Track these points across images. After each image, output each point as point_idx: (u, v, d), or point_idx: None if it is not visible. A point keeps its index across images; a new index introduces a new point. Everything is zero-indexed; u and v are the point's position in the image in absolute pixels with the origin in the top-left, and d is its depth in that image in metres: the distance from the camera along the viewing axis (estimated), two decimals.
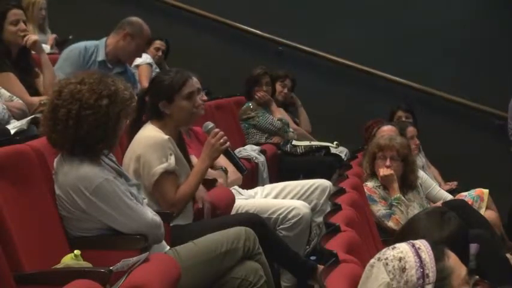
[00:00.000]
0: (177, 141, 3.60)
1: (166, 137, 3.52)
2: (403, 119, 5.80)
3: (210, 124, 3.81)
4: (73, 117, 2.82)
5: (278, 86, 6.19)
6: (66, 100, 2.84)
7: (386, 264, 1.77)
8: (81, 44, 4.79)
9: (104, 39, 4.79)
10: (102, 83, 2.87)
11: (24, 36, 4.35)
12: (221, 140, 3.60)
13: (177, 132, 3.68)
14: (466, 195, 4.85)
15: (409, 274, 1.75)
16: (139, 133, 3.58)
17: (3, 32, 4.27)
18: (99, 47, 4.76)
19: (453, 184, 5.73)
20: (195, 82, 3.69)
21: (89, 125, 2.83)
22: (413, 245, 1.80)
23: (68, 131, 2.83)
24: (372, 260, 1.82)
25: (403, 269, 1.75)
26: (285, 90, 6.27)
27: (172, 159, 3.49)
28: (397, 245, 1.82)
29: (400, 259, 1.77)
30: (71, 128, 2.83)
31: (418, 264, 1.76)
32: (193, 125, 4.08)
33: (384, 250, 1.83)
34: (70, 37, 5.08)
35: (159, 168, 3.46)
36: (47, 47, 5.19)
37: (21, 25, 4.36)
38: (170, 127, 3.60)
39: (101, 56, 4.72)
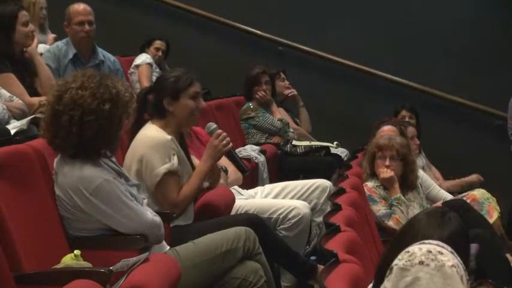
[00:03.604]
0: (178, 142, 3.60)
1: (169, 137, 3.51)
2: (407, 118, 5.81)
3: (213, 125, 3.82)
4: (76, 123, 2.82)
5: (279, 83, 6.18)
6: (68, 106, 2.83)
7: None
8: (54, 45, 4.82)
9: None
10: (103, 87, 2.87)
11: (33, 38, 4.39)
12: (224, 142, 3.60)
13: (179, 133, 3.67)
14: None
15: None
16: (141, 133, 3.57)
17: (14, 32, 4.27)
18: (68, 45, 4.79)
19: None
20: (199, 85, 3.70)
21: (92, 130, 2.83)
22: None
23: (71, 136, 2.83)
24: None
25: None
26: (286, 82, 6.28)
27: (175, 160, 3.49)
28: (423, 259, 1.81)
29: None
30: (74, 133, 2.83)
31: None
32: (193, 125, 4.08)
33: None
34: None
35: (162, 168, 3.46)
36: (47, 47, 5.19)
37: (31, 26, 4.39)
38: (172, 127, 3.59)
39: (70, 54, 4.74)
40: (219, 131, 3.68)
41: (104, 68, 4.78)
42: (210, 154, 3.59)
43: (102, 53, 4.91)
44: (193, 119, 3.70)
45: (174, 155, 3.50)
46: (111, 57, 4.98)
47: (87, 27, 4.78)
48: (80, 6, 4.85)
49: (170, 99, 3.58)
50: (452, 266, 1.76)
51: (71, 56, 4.77)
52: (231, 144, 3.66)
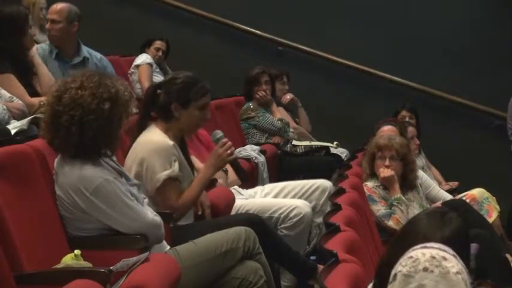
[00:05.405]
0: (179, 145, 3.59)
1: (171, 142, 3.50)
2: (407, 119, 5.82)
3: (219, 133, 3.84)
4: (76, 123, 2.82)
5: (278, 85, 6.20)
6: (68, 106, 2.83)
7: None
8: (38, 47, 4.83)
9: None
10: (102, 86, 2.87)
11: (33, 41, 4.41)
12: (228, 151, 3.60)
13: (180, 137, 3.66)
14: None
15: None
16: (144, 136, 3.56)
17: (25, 36, 4.28)
18: (51, 45, 4.81)
19: (453, 184, 5.74)
20: (209, 95, 3.69)
21: (93, 130, 2.83)
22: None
23: (71, 136, 2.83)
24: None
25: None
26: (286, 87, 6.31)
27: (176, 166, 3.49)
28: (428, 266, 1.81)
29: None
30: (74, 133, 2.83)
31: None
32: (196, 132, 4.08)
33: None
34: None
35: (163, 174, 3.45)
36: None
37: (33, 29, 4.40)
38: (174, 131, 3.58)
39: (53, 53, 4.76)
40: (225, 139, 3.69)
41: (89, 64, 4.79)
42: (213, 162, 3.59)
43: (87, 50, 4.91)
44: (196, 129, 3.72)
45: (175, 161, 3.50)
46: (98, 55, 4.97)
47: (48, 25, 4.79)
48: (53, 6, 4.88)
49: (179, 105, 3.56)
50: (457, 272, 1.76)
51: (54, 55, 4.77)
52: (235, 154, 3.67)
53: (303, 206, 4.00)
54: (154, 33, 6.74)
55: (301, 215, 3.94)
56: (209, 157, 3.64)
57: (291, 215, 3.94)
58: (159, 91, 3.63)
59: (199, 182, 3.56)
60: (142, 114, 3.62)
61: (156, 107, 3.63)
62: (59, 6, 4.83)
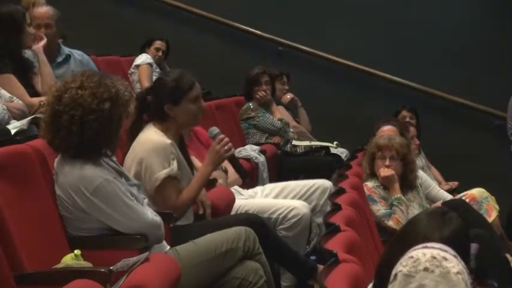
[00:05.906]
0: (178, 145, 3.60)
1: (169, 141, 3.51)
2: (407, 119, 5.82)
3: (215, 130, 3.82)
4: (76, 122, 2.82)
5: (278, 85, 6.21)
6: (68, 106, 2.83)
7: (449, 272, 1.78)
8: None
9: None
10: (102, 86, 2.87)
11: (34, 39, 4.39)
12: (226, 147, 3.60)
13: (179, 136, 3.67)
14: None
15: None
16: (142, 135, 3.56)
17: (24, 34, 4.27)
18: None
19: (453, 184, 5.75)
20: (199, 86, 3.69)
21: (93, 130, 2.83)
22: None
23: (71, 136, 2.83)
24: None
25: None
26: (286, 87, 6.32)
27: (174, 164, 3.49)
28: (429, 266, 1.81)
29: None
30: (74, 133, 2.83)
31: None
32: (196, 126, 4.08)
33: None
34: (60, 40, 5.07)
35: (162, 173, 3.45)
36: None
37: (31, 27, 4.39)
38: (173, 130, 3.59)
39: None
40: (222, 136, 3.68)
41: (74, 60, 4.80)
42: (212, 159, 3.59)
43: (68, 49, 4.92)
44: (195, 121, 3.71)
45: (173, 159, 3.50)
46: (78, 52, 4.98)
47: (43, 30, 4.72)
48: (41, 10, 4.83)
49: (171, 104, 3.57)
50: (458, 273, 1.76)
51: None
52: (233, 149, 3.67)
53: (301, 206, 4.00)
54: (154, 33, 6.75)
55: (299, 216, 3.94)
56: (207, 154, 3.64)
57: (289, 215, 3.94)
58: (149, 97, 3.64)
59: (198, 180, 3.56)
60: (135, 119, 3.61)
61: (149, 111, 3.64)
62: (50, 11, 4.81)
